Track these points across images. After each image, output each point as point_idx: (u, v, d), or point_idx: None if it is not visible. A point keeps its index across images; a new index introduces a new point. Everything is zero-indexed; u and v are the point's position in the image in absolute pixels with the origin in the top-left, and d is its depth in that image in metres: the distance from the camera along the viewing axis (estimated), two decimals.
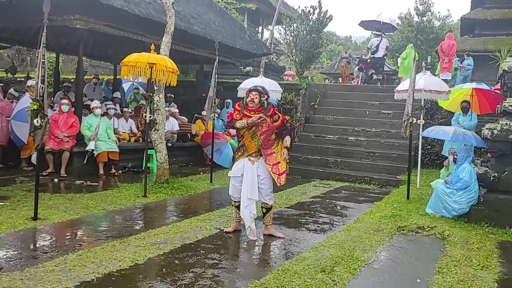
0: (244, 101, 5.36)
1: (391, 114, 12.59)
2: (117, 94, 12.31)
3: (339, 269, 4.39)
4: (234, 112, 5.42)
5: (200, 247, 4.95)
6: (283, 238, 5.45)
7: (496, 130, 6.48)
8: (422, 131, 9.22)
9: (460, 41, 17.61)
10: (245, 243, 5.25)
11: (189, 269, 4.24)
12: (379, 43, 16.16)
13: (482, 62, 14.83)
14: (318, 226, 6.17)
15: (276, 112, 5.39)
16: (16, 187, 7.39)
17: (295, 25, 15.68)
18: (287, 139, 5.39)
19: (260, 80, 10.91)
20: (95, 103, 9.56)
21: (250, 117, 5.25)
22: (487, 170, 6.60)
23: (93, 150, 8.89)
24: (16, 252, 4.48)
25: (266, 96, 5.35)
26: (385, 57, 16.89)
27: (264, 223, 5.57)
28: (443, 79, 11.75)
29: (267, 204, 5.43)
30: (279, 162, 5.32)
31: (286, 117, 5.85)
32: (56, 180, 8.34)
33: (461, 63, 14.91)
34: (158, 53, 7.96)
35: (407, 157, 8.92)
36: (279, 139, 5.43)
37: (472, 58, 14.90)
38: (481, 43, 17.01)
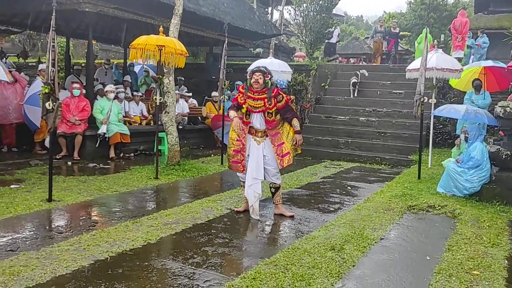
0: (248, 82, 5.36)
1: (402, 93, 12.46)
2: (128, 78, 12.34)
3: (349, 247, 4.42)
4: (239, 95, 5.42)
5: (211, 226, 5.02)
6: (293, 217, 5.50)
7: (508, 108, 6.40)
8: (434, 110, 9.13)
9: (474, 19, 17.25)
10: (256, 222, 5.30)
11: (200, 248, 4.30)
12: (333, 30, 17.34)
13: (497, 39, 14.50)
14: (328, 206, 6.20)
15: (280, 92, 5.38)
16: (31, 170, 7.52)
17: (304, 5, 15.52)
18: (295, 122, 5.36)
19: (269, 62, 10.81)
20: (109, 87, 9.62)
21: (255, 98, 5.26)
22: (499, 149, 6.54)
23: (105, 133, 8.97)
24: (32, 232, 4.59)
25: (269, 76, 5.34)
26: (337, 43, 19.08)
27: (274, 203, 5.62)
28: (455, 57, 11.57)
29: (275, 183, 5.47)
30: (283, 143, 5.33)
31: (291, 96, 5.82)
32: (69, 163, 8.46)
33: (475, 41, 14.62)
34: (167, 35, 7.95)
35: (418, 137, 8.86)
36: (285, 120, 5.42)
37: (486, 35, 14.61)
38: (495, 20, 16.64)
